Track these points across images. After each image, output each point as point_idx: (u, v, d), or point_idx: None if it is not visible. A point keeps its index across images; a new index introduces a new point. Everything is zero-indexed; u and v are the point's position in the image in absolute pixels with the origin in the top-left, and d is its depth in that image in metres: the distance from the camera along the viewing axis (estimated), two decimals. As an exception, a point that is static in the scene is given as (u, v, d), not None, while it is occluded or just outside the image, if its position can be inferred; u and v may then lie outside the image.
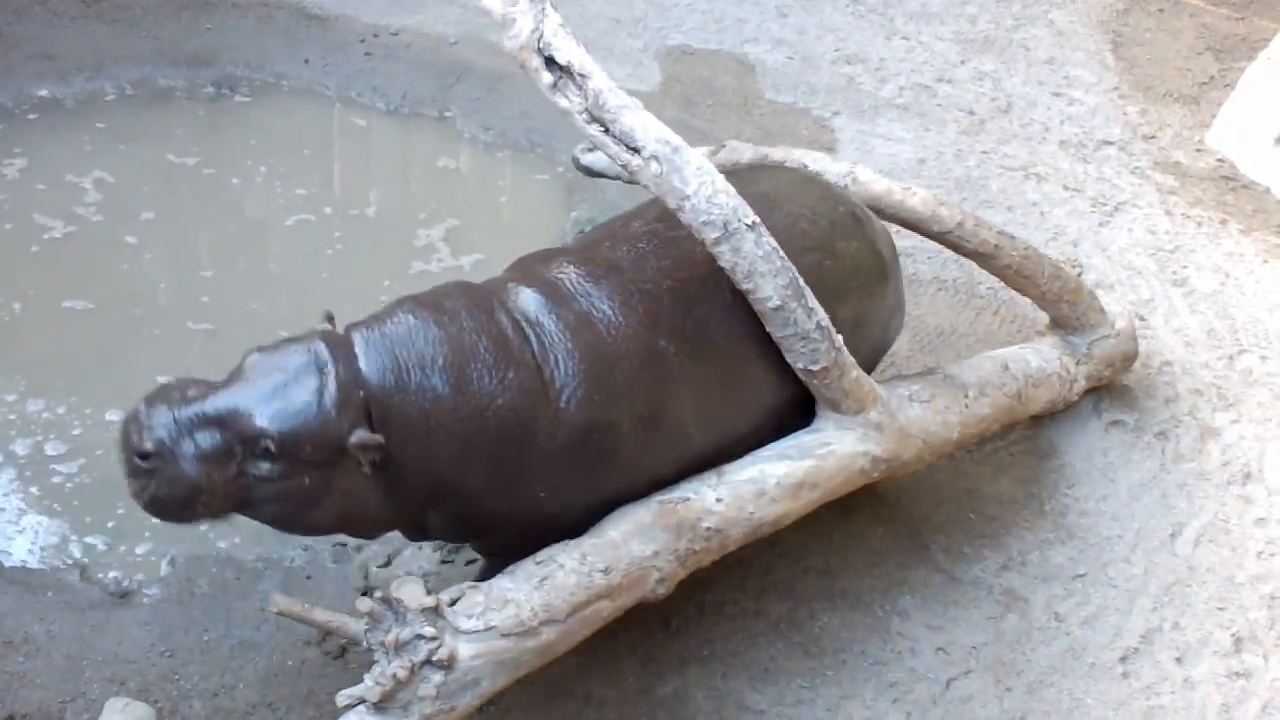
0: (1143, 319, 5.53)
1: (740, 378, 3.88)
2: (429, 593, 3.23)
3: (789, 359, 3.83)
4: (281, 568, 4.18)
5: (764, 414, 3.96)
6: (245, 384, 3.39)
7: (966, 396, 4.34)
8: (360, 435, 3.31)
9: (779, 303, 3.70)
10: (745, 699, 3.93)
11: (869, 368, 4.30)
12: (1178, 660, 4.22)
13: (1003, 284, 4.82)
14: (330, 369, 3.36)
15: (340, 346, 3.43)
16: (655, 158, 3.60)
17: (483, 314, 3.56)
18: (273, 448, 3.30)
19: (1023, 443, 4.88)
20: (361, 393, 3.36)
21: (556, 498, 3.60)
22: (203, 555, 4.19)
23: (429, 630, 3.15)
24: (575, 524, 3.63)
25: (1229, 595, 4.43)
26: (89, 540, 4.24)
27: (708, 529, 3.64)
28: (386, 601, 3.17)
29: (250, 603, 3.99)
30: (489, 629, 3.24)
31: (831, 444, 3.93)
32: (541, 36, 3.60)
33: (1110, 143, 6.83)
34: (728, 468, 3.80)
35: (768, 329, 3.78)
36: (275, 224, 5.67)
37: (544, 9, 3.62)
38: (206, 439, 3.31)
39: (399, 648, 3.13)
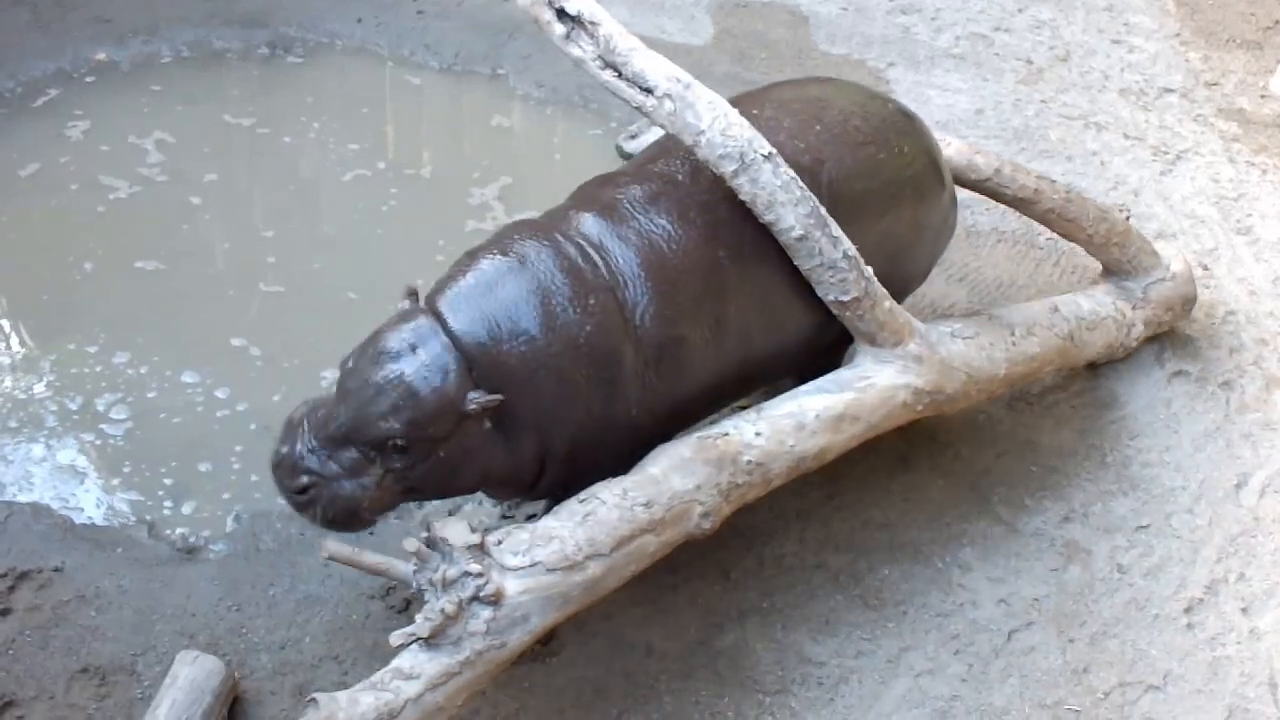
0: (1206, 268, 5.45)
1: (797, 283, 3.90)
2: (474, 531, 3.25)
3: (820, 293, 3.86)
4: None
5: (820, 323, 4.00)
6: (356, 390, 3.51)
7: (1013, 334, 4.30)
8: (474, 399, 3.45)
9: (802, 232, 3.72)
10: (805, 651, 3.94)
11: (921, 273, 4.42)
12: (1243, 611, 4.18)
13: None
14: (427, 346, 3.49)
15: (427, 321, 3.55)
16: (669, 95, 3.70)
17: (550, 248, 3.65)
18: (402, 443, 3.47)
19: (1084, 394, 4.84)
20: (461, 357, 3.48)
21: (646, 413, 3.71)
22: (267, 511, 4.24)
23: (475, 567, 3.18)
24: (662, 438, 3.74)
25: (1295, 546, 4.39)
26: (156, 498, 4.30)
27: (749, 462, 3.65)
28: (432, 542, 3.21)
29: (314, 558, 4.04)
30: (534, 564, 3.27)
31: (870, 377, 3.92)
32: None
33: (1171, 90, 6.71)
34: (766, 404, 3.82)
35: (795, 262, 3.80)
36: (332, 184, 5.70)
37: None
38: (345, 457, 3.52)
39: (447, 585, 3.17)
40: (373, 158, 5.83)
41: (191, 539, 4.18)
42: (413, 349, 3.50)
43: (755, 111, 3.96)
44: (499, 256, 3.64)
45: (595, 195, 3.86)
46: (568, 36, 3.81)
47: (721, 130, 3.67)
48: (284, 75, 6.33)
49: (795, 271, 3.86)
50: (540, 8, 3.82)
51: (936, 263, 4.57)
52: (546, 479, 3.77)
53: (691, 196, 3.81)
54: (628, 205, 3.77)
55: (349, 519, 3.59)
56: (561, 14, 3.79)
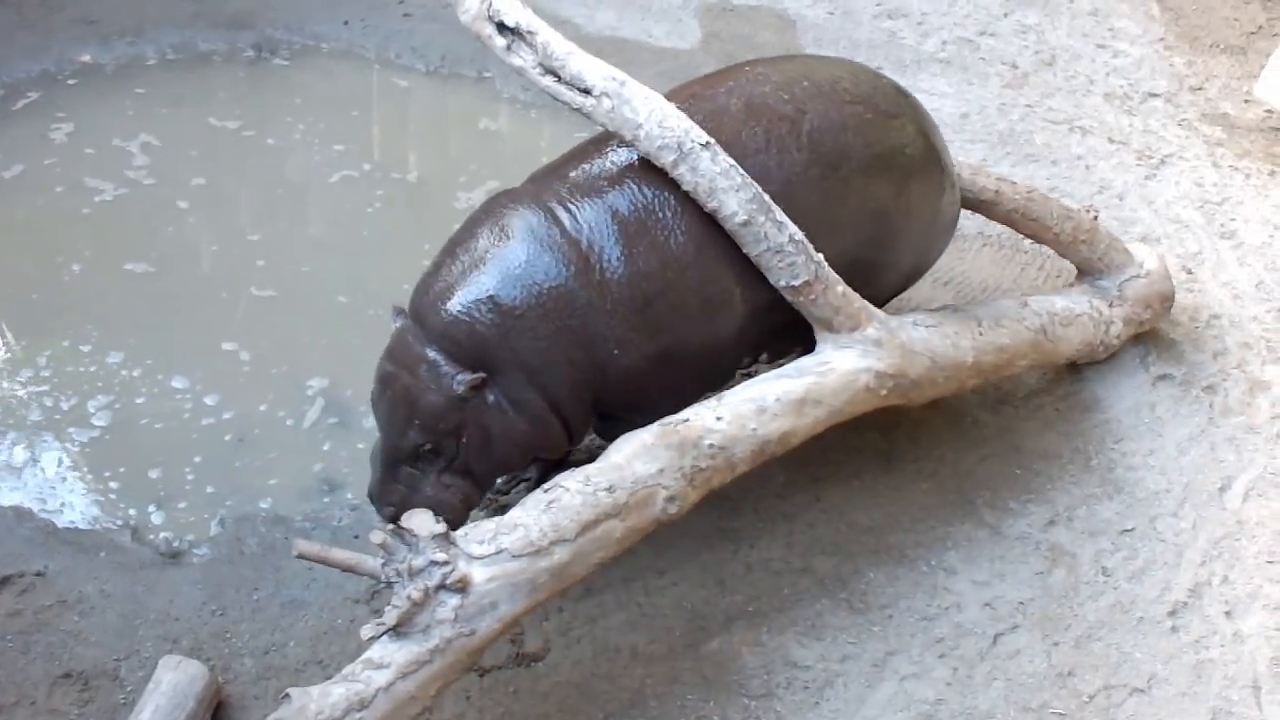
0: (1190, 272, 5.47)
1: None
2: (438, 521, 3.27)
3: (771, 279, 3.87)
4: (329, 526, 4.22)
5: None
6: (381, 419, 3.84)
7: (980, 325, 4.30)
8: (461, 380, 3.67)
9: (745, 217, 3.76)
10: (791, 654, 3.94)
11: (918, 272, 4.42)
12: (1227, 614, 4.19)
13: (1048, 238, 4.78)
14: (410, 356, 3.74)
15: (408, 332, 3.79)
16: (606, 94, 3.84)
17: (519, 215, 3.82)
18: (429, 447, 3.76)
19: (1069, 397, 4.85)
20: (440, 350, 3.72)
21: (634, 357, 3.81)
22: (251, 515, 4.23)
23: (441, 555, 3.20)
24: (659, 385, 3.92)
25: (1278, 549, 4.39)
26: (140, 502, 4.29)
27: (711, 446, 3.65)
28: (398, 533, 3.21)
29: (299, 562, 4.01)
30: (500, 551, 3.28)
31: (830, 362, 3.92)
32: (490, 5, 3.93)
33: (1156, 94, 6.73)
34: (726, 392, 3.83)
35: (744, 250, 3.84)
36: (319, 187, 5.69)
37: None
38: (405, 475, 3.83)
39: (413, 574, 3.18)
40: (359, 160, 5.82)
41: (175, 543, 4.16)
42: (402, 364, 3.76)
43: (747, 68, 4.11)
44: (462, 237, 3.87)
45: (577, 156, 4.01)
46: (509, 48, 3.95)
47: (658, 122, 3.75)
48: (270, 78, 6.32)
49: None
50: (481, 24, 3.98)
51: (930, 262, 4.51)
52: (576, 428, 3.92)
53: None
54: (607, 160, 3.91)
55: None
56: (502, 27, 3.94)
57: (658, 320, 3.81)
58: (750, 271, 3.87)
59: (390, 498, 3.85)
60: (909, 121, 4.22)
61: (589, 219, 3.78)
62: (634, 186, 3.83)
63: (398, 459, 3.82)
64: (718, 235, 3.83)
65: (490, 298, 3.71)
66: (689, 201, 3.81)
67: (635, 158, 3.87)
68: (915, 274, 4.47)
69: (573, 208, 3.80)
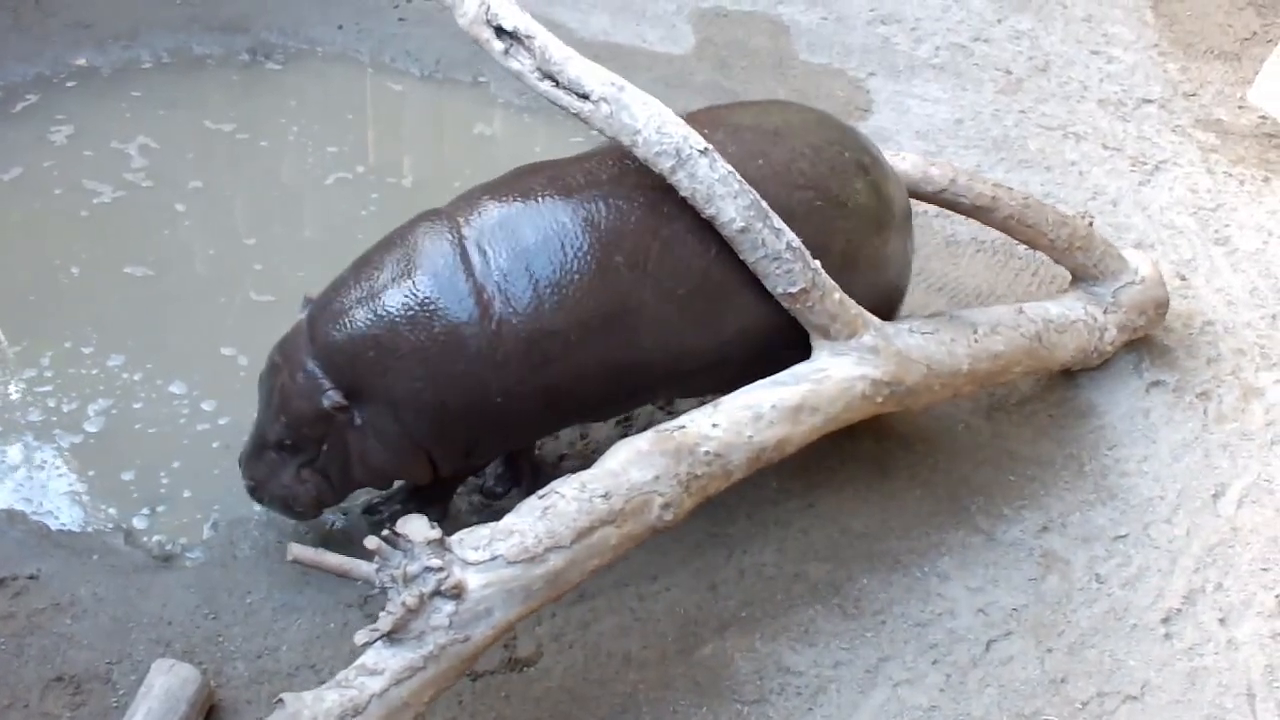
0: (1184, 278, 5.48)
1: (716, 298, 3.89)
2: (433, 527, 3.27)
3: (768, 286, 3.86)
4: (321, 530, 4.22)
5: (747, 338, 3.97)
6: (261, 401, 3.95)
7: (975, 332, 4.30)
8: (330, 399, 3.75)
9: (743, 224, 3.76)
10: (784, 660, 3.94)
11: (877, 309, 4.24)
12: (1221, 621, 4.19)
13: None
14: (294, 357, 3.83)
15: (300, 331, 3.88)
16: (604, 99, 3.82)
17: (428, 244, 3.81)
18: (290, 442, 3.88)
19: (1063, 404, 4.85)
20: (319, 362, 3.80)
21: (517, 400, 3.79)
22: (244, 519, 4.23)
23: (436, 562, 3.19)
24: (542, 424, 4.04)
25: (1272, 556, 4.40)
26: (133, 505, 4.28)
27: (707, 453, 3.65)
28: (392, 538, 3.21)
29: (291, 566, 4.00)
30: (495, 558, 3.27)
31: (826, 369, 3.92)
32: (489, 9, 3.92)
33: (1150, 101, 6.75)
34: (723, 398, 3.81)
35: (741, 257, 3.81)
36: (314, 191, 5.68)
37: None
38: (268, 459, 3.96)
39: (408, 580, 3.18)
40: (354, 164, 5.82)
41: (168, 546, 4.16)
42: (286, 359, 3.86)
43: (706, 133, 3.90)
44: (374, 257, 3.88)
45: (515, 183, 3.92)
46: (507, 52, 3.94)
47: (657, 128, 3.75)
48: (265, 82, 6.32)
49: (701, 295, 3.86)
50: (479, 27, 3.97)
51: (894, 291, 4.35)
52: (441, 461, 3.96)
53: (609, 198, 3.82)
54: (538, 198, 3.82)
55: (287, 510, 4.03)
56: (500, 31, 3.92)
57: (552, 377, 3.77)
58: (664, 337, 3.85)
59: (254, 473, 3.99)
60: (862, 196, 4.10)
61: (501, 264, 3.71)
62: (559, 239, 3.74)
63: (265, 442, 3.94)
64: (635, 304, 3.78)
65: (375, 336, 3.72)
66: (610, 267, 3.75)
67: (571, 206, 3.78)
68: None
69: (488, 248, 3.73)
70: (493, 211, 3.81)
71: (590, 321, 3.75)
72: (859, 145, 4.25)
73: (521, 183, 3.90)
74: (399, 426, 3.81)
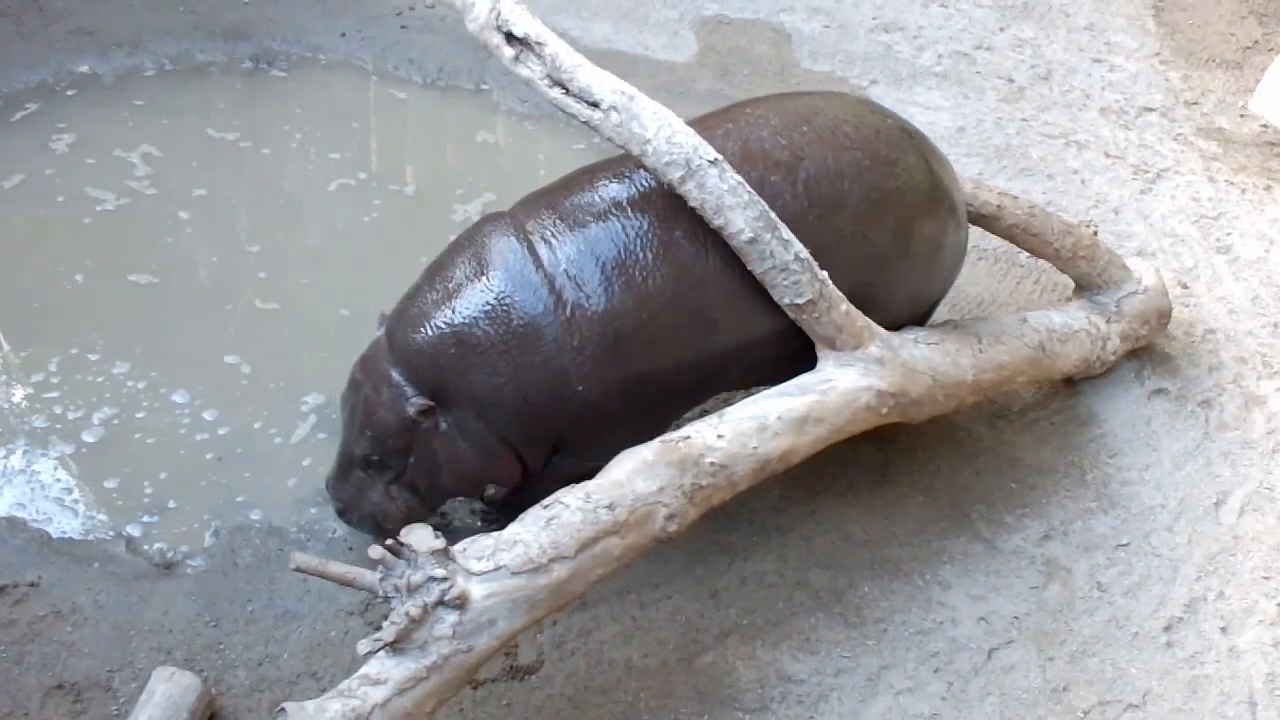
0: (1186, 286, 5.48)
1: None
2: (437, 537, 3.27)
3: (775, 296, 3.86)
4: (324, 538, 4.22)
5: (789, 325, 3.97)
6: (343, 422, 4.03)
7: (980, 342, 4.31)
8: (414, 404, 3.81)
9: (752, 235, 3.75)
10: (786, 668, 3.93)
11: (921, 305, 4.34)
12: (1223, 630, 4.19)
13: (1044, 252, 4.78)
14: (376, 370, 3.90)
15: (379, 345, 3.96)
16: (614, 108, 3.81)
17: (498, 243, 3.86)
18: (377, 458, 3.94)
19: (1064, 411, 4.85)
20: (401, 372, 3.86)
21: (598, 391, 3.81)
22: (245, 526, 4.23)
23: (440, 571, 3.19)
24: (625, 415, 3.91)
25: (1274, 564, 4.39)
26: (134, 512, 4.28)
27: (712, 464, 3.65)
28: (396, 548, 3.21)
29: (293, 574, 4.00)
30: (499, 568, 3.26)
31: (832, 380, 3.92)
32: (499, 15, 3.91)
33: (1152, 109, 6.75)
34: (728, 409, 3.82)
35: (749, 267, 3.82)
36: (317, 198, 5.69)
37: None
38: (355, 478, 4.04)
39: (412, 590, 3.17)
40: (356, 171, 5.82)
41: (169, 554, 4.16)
42: (368, 375, 3.92)
43: (748, 109, 4.10)
44: (444, 260, 3.95)
45: (570, 181, 4.02)
46: (517, 59, 3.93)
47: (667, 138, 3.74)
48: (268, 89, 6.32)
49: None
50: (489, 33, 3.96)
51: (933, 298, 4.42)
52: (530, 460, 3.99)
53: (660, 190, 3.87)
54: (594, 188, 3.91)
55: (378, 529, 4.01)
56: (510, 37, 3.92)
57: (627, 357, 3.80)
58: (732, 310, 3.89)
59: (341, 494, 4.07)
60: (911, 165, 4.14)
61: (568, 253, 3.78)
62: (619, 222, 3.82)
63: (351, 461, 4.01)
64: (700, 276, 3.83)
65: (455, 333, 3.78)
66: (671, 242, 3.81)
67: (627, 192, 3.88)
68: (918, 310, 4.36)
69: (553, 240, 3.81)
70: (553, 206, 3.90)
71: (659, 297, 3.79)
72: (902, 120, 4.34)
73: (576, 179, 4.01)
74: (484, 425, 3.85)
